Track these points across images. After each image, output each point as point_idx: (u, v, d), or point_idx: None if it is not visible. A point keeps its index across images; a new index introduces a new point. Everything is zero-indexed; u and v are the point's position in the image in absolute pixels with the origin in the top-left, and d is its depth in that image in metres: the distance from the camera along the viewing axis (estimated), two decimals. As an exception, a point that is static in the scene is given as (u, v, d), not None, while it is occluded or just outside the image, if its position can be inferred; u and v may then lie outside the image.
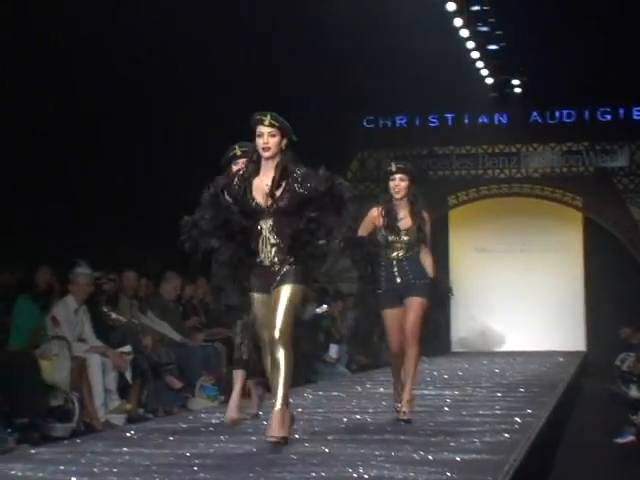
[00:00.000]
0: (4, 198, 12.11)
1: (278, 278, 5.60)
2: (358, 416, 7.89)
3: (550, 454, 8.35)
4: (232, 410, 6.60)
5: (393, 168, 6.96)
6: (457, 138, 20.41)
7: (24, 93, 12.80)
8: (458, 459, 5.75)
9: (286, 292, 5.58)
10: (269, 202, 5.56)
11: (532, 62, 18.84)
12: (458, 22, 17.31)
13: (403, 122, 20.28)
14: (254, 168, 5.67)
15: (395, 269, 6.94)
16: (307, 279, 5.73)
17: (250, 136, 5.75)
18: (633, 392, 12.19)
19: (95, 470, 5.04)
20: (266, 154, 5.54)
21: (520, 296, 19.82)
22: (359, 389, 10.73)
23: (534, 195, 21.09)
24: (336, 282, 14.76)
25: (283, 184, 5.59)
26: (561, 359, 17.27)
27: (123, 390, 9.32)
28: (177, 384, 9.86)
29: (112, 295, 10.15)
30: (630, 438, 9.20)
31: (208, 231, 5.73)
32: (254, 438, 6.44)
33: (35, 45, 12.22)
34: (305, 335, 14.15)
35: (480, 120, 20.34)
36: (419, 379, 9.97)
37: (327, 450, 6.08)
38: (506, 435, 6.82)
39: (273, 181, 5.57)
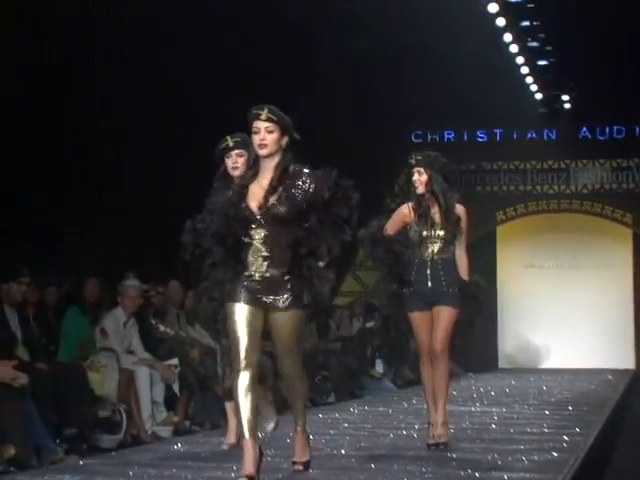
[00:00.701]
0: (53, 211, 12.09)
1: (272, 295, 5.06)
2: (405, 432, 7.77)
3: (600, 473, 8.10)
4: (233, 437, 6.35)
5: (413, 161, 6.49)
6: (506, 153, 20.24)
7: (68, 114, 12.39)
8: (506, 477, 5.68)
9: (291, 320, 5.07)
10: (262, 209, 5.01)
11: (582, 78, 18.66)
12: (508, 37, 17.31)
13: (451, 137, 20.08)
14: (253, 173, 5.18)
15: (428, 271, 6.45)
16: (309, 299, 5.05)
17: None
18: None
19: (142, 482, 4.96)
20: (262, 151, 5.01)
21: (568, 312, 19.67)
22: (405, 405, 10.67)
23: (583, 211, 20.80)
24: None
25: (280, 189, 5.04)
26: (610, 377, 17.05)
27: (170, 402, 9.40)
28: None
29: (160, 308, 10.21)
30: None
31: (211, 239, 5.22)
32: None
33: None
34: (352, 350, 14.13)
35: (529, 136, 20.12)
36: (463, 396, 11.54)
37: (373, 466, 6.01)
38: (554, 454, 6.75)
39: (270, 184, 5.04)
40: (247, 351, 4.92)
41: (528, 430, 8.57)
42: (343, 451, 6.91)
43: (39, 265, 9.41)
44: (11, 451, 7.39)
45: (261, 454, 5.03)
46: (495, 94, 17.49)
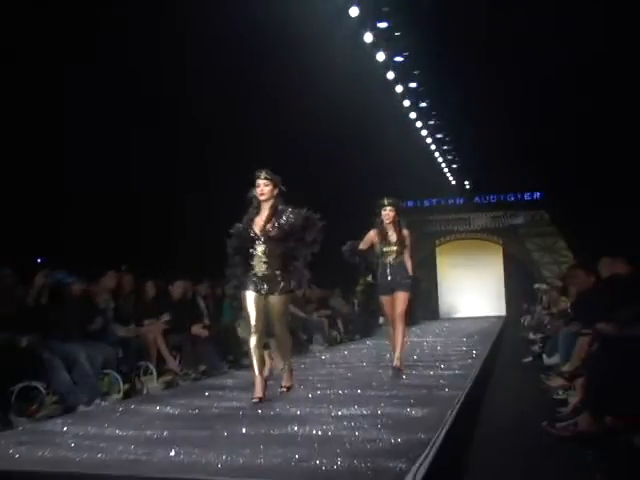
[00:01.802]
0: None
1: (270, 288, 6.43)
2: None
3: (492, 368, 10.30)
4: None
5: (385, 202, 8.23)
6: (437, 211, 30.44)
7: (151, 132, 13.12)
8: (440, 373, 8.25)
9: (278, 303, 6.48)
10: (262, 233, 6.41)
11: (475, 172, 27.80)
12: (429, 141, 23.98)
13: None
14: (255, 210, 6.53)
15: (388, 270, 8.20)
16: (293, 286, 6.57)
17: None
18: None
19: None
20: (262, 198, 6.43)
21: (471, 287, 29.43)
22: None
23: (477, 238, 31.32)
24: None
25: (273, 220, 6.41)
26: (493, 320, 24.36)
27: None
28: (303, 337, 13.43)
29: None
30: (530, 358, 11.70)
31: (230, 253, 6.66)
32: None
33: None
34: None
35: (450, 201, 30.48)
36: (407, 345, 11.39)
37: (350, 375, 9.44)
38: (469, 361, 9.54)
39: (267, 218, 6.43)
40: (255, 322, 6.42)
41: (455, 349, 11.84)
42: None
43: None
44: (202, 367, 9.78)
45: (266, 383, 6.53)
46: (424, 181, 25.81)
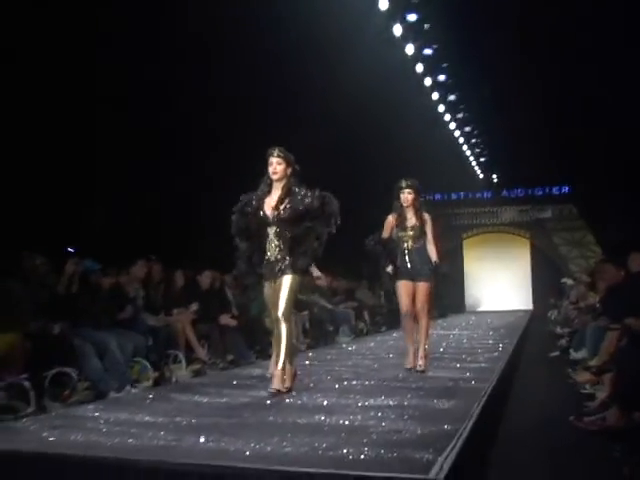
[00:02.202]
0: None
1: (280, 270, 6.08)
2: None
3: (518, 361, 10.56)
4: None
5: (403, 185, 7.68)
6: (466, 204, 30.85)
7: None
8: (459, 365, 8.14)
9: (286, 281, 6.04)
10: (274, 214, 6.08)
11: (504, 167, 27.71)
12: (464, 147, 24.34)
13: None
14: (267, 189, 6.20)
15: (407, 257, 7.62)
16: (302, 270, 6.12)
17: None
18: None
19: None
20: (274, 177, 6.12)
21: (497, 281, 29.58)
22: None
23: (505, 232, 30.94)
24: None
25: (286, 201, 6.09)
26: (520, 314, 24.16)
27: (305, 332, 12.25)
28: (330, 328, 13.76)
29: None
30: (557, 353, 11.95)
31: (234, 233, 6.31)
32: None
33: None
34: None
35: (477, 195, 30.71)
36: (447, 325, 13.57)
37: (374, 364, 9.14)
38: (495, 354, 9.29)
39: (279, 199, 6.10)
40: (274, 313, 6.13)
41: (482, 342, 11.65)
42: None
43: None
44: (230, 357, 9.99)
45: (295, 374, 6.36)
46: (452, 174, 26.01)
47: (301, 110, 14.26)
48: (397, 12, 15.20)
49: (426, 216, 7.71)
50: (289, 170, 6.15)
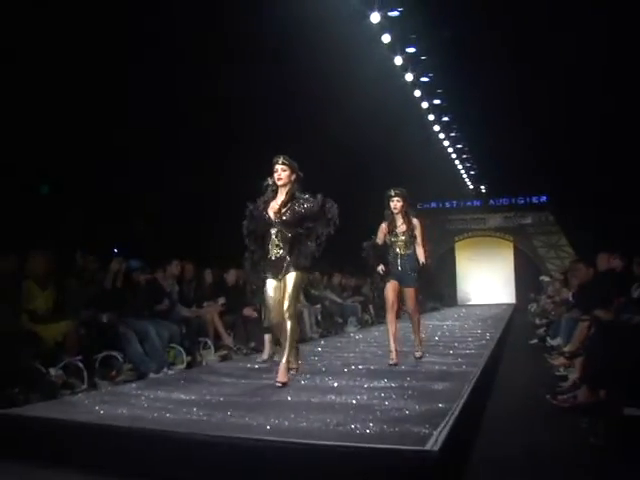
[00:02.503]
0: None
1: (283, 268, 5.73)
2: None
3: (501, 350, 10.17)
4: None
5: (392, 193, 7.32)
6: (457, 212, 30.45)
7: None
8: (451, 352, 8.08)
9: (291, 279, 5.72)
10: (276, 217, 5.80)
11: (491, 178, 27.89)
12: (453, 156, 24.19)
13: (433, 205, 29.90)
14: (273, 195, 5.91)
15: (399, 260, 7.30)
16: (303, 268, 5.79)
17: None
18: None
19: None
20: (279, 183, 5.82)
21: (484, 277, 29.67)
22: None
23: (491, 236, 30.69)
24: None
25: (289, 205, 5.80)
26: (504, 307, 24.06)
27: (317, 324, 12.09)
28: (339, 319, 13.67)
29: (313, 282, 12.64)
30: (535, 341, 11.74)
31: (245, 235, 6.00)
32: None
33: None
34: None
35: (467, 203, 30.42)
36: (440, 316, 13.50)
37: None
38: (483, 342, 9.44)
39: (282, 203, 5.82)
40: (273, 309, 5.80)
41: (471, 331, 11.69)
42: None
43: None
44: (252, 344, 9.70)
45: (297, 369, 6.11)
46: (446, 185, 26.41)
47: (308, 131, 13.98)
48: (397, 45, 15.25)
49: (414, 220, 7.36)
50: (293, 176, 5.86)
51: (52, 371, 6.54)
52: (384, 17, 13.80)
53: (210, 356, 9.00)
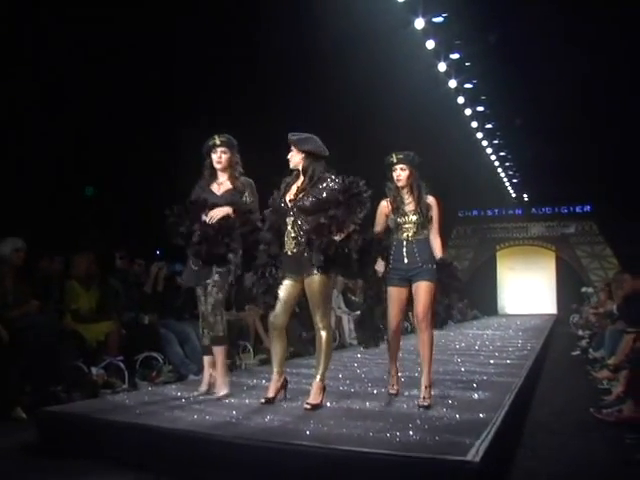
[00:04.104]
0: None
1: (303, 267, 4.80)
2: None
3: (542, 361, 10.11)
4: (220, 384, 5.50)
5: (394, 159, 5.32)
6: (500, 220, 30.58)
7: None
8: (493, 362, 7.95)
9: (315, 286, 4.77)
10: (292, 203, 4.89)
11: (534, 187, 28.18)
12: (500, 171, 24.47)
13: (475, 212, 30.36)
14: (296, 175, 5.01)
15: (404, 249, 5.24)
16: (323, 268, 4.71)
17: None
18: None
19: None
20: (291, 165, 4.98)
21: (527, 287, 30.09)
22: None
23: (533, 244, 30.53)
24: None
25: (307, 188, 4.86)
26: (546, 318, 23.61)
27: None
28: (380, 325, 13.69)
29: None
30: (578, 352, 11.74)
31: (265, 226, 5.09)
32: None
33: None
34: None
35: (510, 211, 30.55)
36: (480, 325, 13.18)
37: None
38: (525, 352, 9.43)
39: (298, 186, 4.93)
40: (277, 313, 4.93)
41: (512, 341, 11.58)
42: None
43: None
44: (291, 348, 8.83)
45: (286, 382, 5.19)
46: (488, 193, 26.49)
47: (350, 134, 13.95)
48: (442, 51, 15.18)
49: (430, 198, 5.33)
50: (308, 159, 4.88)
51: (94, 370, 6.65)
52: (428, 23, 13.84)
53: (249, 359, 9.00)
